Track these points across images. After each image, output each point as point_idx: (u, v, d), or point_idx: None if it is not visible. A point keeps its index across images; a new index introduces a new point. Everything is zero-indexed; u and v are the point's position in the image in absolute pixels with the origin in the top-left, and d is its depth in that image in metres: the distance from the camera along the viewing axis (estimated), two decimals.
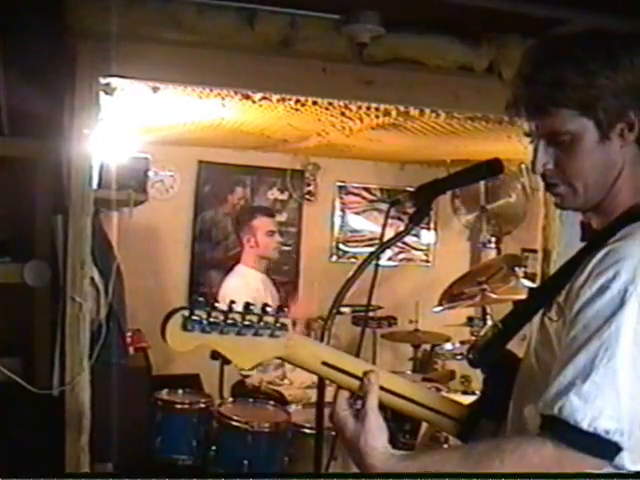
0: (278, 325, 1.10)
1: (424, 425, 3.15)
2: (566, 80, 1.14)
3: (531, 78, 1.18)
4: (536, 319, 1.23)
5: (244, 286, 3.90)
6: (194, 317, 1.07)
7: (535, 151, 1.21)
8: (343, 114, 3.37)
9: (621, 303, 1.05)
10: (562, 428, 1.04)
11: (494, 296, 3.87)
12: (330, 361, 1.16)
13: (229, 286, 3.94)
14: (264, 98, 3.00)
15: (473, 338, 3.88)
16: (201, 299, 1.08)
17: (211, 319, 1.07)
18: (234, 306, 1.09)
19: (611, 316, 1.05)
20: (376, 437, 1.14)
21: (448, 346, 4.29)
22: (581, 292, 1.09)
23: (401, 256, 5.60)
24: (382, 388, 1.17)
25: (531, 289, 1.34)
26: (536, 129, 1.21)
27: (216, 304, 1.08)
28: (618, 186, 1.19)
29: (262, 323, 1.09)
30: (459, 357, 4.13)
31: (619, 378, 1.03)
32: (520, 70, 1.21)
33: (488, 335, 1.30)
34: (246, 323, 1.08)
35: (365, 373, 1.17)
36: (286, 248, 5.07)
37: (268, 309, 1.10)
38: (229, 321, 1.08)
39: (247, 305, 1.10)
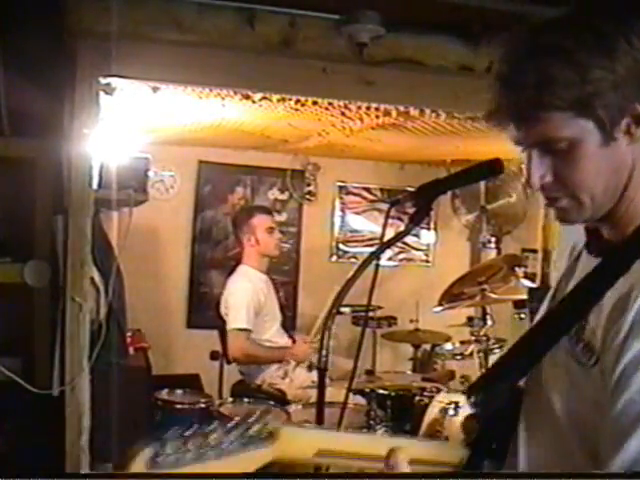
0: (264, 436, 0.96)
1: (424, 425, 3.15)
2: (554, 78, 0.95)
3: (512, 80, 0.99)
4: (560, 357, 1.04)
5: (250, 288, 3.90)
6: (164, 454, 0.95)
7: (528, 163, 1.02)
8: (343, 114, 3.38)
9: None
10: None
11: (494, 296, 3.87)
12: (330, 447, 1.01)
13: (236, 288, 3.93)
14: (264, 98, 3.01)
15: (473, 338, 3.88)
16: (172, 432, 0.96)
17: (187, 448, 0.95)
18: (214, 427, 0.97)
19: None
20: None
21: (448, 346, 4.29)
22: (629, 343, 0.91)
23: (401, 256, 5.60)
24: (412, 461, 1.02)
25: (543, 319, 1.13)
26: (524, 138, 1.02)
27: (187, 432, 0.96)
28: (632, 189, 1.01)
29: (246, 439, 0.96)
30: (459, 357, 4.13)
31: None
32: (498, 71, 1.01)
33: (493, 373, 1.14)
34: (229, 447, 0.95)
35: (390, 453, 1.00)
36: (286, 247, 5.07)
37: (251, 420, 0.97)
38: (207, 447, 0.95)
39: (230, 424, 0.97)
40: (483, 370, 3.60)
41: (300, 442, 1.01)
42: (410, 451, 1.02)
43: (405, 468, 0.98)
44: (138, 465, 0.95)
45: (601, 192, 1.01)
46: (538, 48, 0.98)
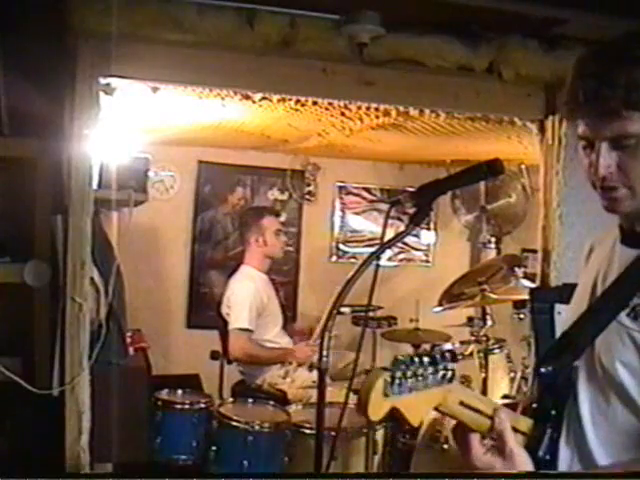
0: (450, 374, 1.09)
1: (424, 425, 3.15)
2: (639, 83, 1.14)
3: (609, 79, 1.16)
4: (615, 331, 1.23)
5: (253, 288, 3.90)
6: (396, 380, 1.03)
7: (598, 154, 1.20)
8: (343, 114, 3.37)
9: None
10: None
11: (494, 296, 3.87)
12: (466, 401, 1.15)
13: (238, 287, 3.94)
14: (264, 98, 3.00)
15: (473, 338, 3.88)
16: (401, 357, 1.05)
17: (408, 379, 1.04)
18: (424, 359, 1.07)
19: None
20: (529, 468, 1.16)
21: (448, 346, 4.28)
22: None
23: (401, 256, 5.60)
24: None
25: (596, 300, 1.31)
26: (599, 132, 1.19)
27: (414, 359, 1.05)
28: None
29: (439, 373, 1.08)
30: (459, 357, 4.13)
31: None
32: (591, 69, 1.19)
33: (559, 348, 1.30)
34: (431, 377, 1.06)
35: (496, 411, 1.16)
36: (287, 248, 5.08)
37: (446, 355, 1.09)
38: (419, 378, 1.05)
39: (431, 357, 1.07)
40: (483, 370, 3.61)
41: (453, 394, 1.12)
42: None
43: (509, 425, 1.16)
44: (377, 390, 1.02)
45: None
46: (628, 57, 1.17)
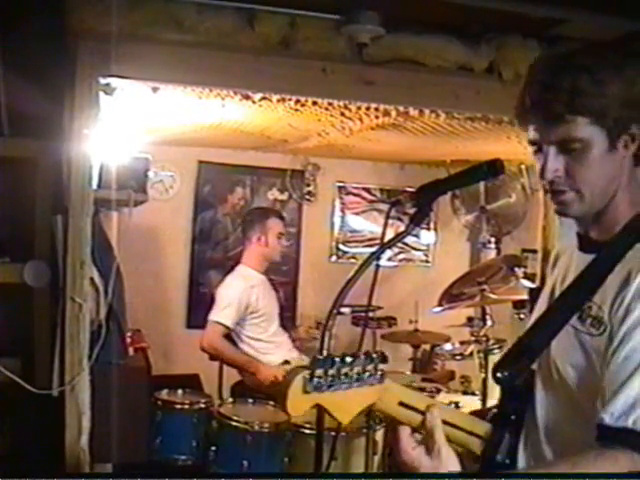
0: (379, 374, 1.11)
1: None
2: (582, 89, 1.18)
3: (550, 85, 1.20)
4: (566, 333, 1.25)
5: (242, 287, 3.91)
6: (315, 378, 1.05)
7: (545, 158, 1.23)
8: (343, 114, 3.37)
9: None
10: (638, 439, 1.07)
11: (494, 296, 3.87)
12: (406, 401, 1.17)
13: (228, 284, 3.95)
14: (264, 98, 3.00)
15: (473, 338, 3.88)
16: (320, 356, 1.07)
17: (328, 377, 1.06)
18: (347, 359, 1.08)
19: None
20: (454, 468, 1.16)
21: (448, 346, 4.28)
22: (633, 306, 1.14)
23: (401, 256, 5.60)
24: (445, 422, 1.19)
25: (552, 304, 1.34)
26: (546, 136, 1.23)
27: (335, 359, 1.07)
28: (619, 197, 1.25)
29: (366, 373, 1.09)
30: (459, 357, 4.13)
31: None
32: (537, 76, 1.23)
33: (515, 352, 1.30)
34: (355, 376, 1.08)
35: (428, 407, 1.17)
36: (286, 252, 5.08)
37: (374, 355, 1.10)
38: (342, 376, 1.07)
39: (354, 356, 1.09)
40: (483, 370, 3.60)
41: (390, 392, 1.15)
42: (444, 413, 1.19)
43: (439, 423, 1.16)
44: (295, 387, 1.04)
45: (598, 192, 1.23)
46: (573, 64, 1.21)
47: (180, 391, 3.56)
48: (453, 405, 3.16)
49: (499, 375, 1.26)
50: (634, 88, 1.20)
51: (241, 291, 3.88)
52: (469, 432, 1.23)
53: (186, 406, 3.40)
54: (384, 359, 1.12)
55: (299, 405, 1.06)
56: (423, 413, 1.16)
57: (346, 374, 1.07)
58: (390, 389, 1.15)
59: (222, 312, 3.81)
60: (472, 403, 3.44)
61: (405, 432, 1.18)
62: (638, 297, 1.15)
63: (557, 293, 1.34)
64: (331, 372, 1.06)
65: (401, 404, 1.16)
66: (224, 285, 3.96)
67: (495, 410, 1.32)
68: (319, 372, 1.05)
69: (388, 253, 5.29)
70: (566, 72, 1.20)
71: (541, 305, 1.39)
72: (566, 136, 1.20)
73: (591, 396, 1.16)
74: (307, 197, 5.40)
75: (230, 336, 3.90)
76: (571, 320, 1.24)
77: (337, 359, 1.07)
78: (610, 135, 1.20)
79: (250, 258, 4.05)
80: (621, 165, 1.23)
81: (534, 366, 1.31)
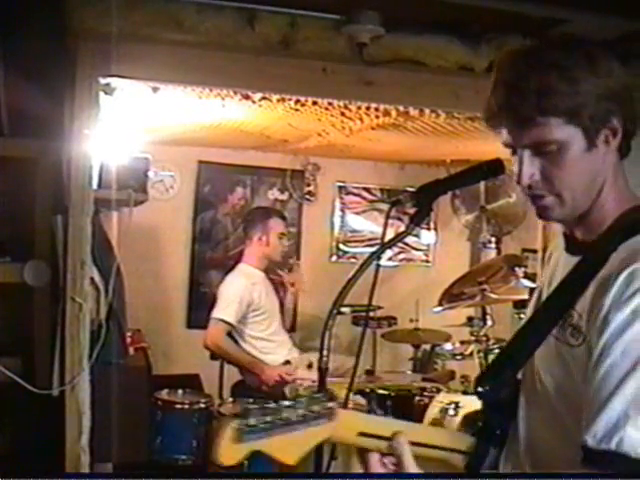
0: (326, 411, 1.07)
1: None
2: (552, 88, 1.10)
3: (517, 87, 1.12)
4: (548, 343, 1.18)
5: (244, 284, 3.92)
6: (247, 427, 1.01)
7: (520, 163, 1.16)
8: (343, 114, 3.37)
9: None
10: (623, 462, 0.99)
11: (494, 296, 3.87)
12: (366, 430, 1.13)
13: (230, 282, 3.96)
14: (264, 98, 3.01)
15: (473, 338, 3.88)
16: (252, 406, 1.03)
17: (262, 424, 1.02)
18: (283, 404, 1.05)
19: None
20: None
21: (448, 346, 4.29)
22: (611, 317, 1.05)
23: (401, 256, 5.60)
24: (414, 443, 1.14)
25: (535, 311, 1.28)
26: (519, 140, 1.15)
27: (266, 405, 1.03)
28: (604, 195, 1.17)
29: (311, 413, 1.06)
30: (459, 357, 4.13)
31: None
32: (503, 78, 1.15)
33: (496, 365, 1.26)
34: (297, 419, 1.04)
35: (394, 434, 1.12)
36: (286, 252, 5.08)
37: (316, 395, 1.08)
38: (279, 421, 1.03)
39: (296, 397, 1.08)
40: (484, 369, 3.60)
41: (346, 424, 1.11)
42: (416, 435, 1.15)
43: (407, 449, 1.11)
44: (226, 438, 1.02)
45: (580, 193, 1.16)
46: (541, 62, 1.13)
47: (180, 391, 3.56)
48: (454, 405, 3.16)
49: (480, 390, 1.21)
50: (610, 80, 1.13)
51: (243, 288, 3.89)
52: (449, 449, 1.18)
53: (186, 406, 3.41)
54: (331, 398, 1.08)
55: (232, 455, 1.03)
56: (390, 439, 1.12)
57: (287, 418, 1.03)
58: (347, 421, 1.11)
59: (225, 310, 3.82)
60: (472, 403, 3.44)
61: (374, 458, 1.13)
62: (617, 306, 1.05)
63: (544, 296, 1.26)
64: (268, 419, 1.02)
65: (362, 434, 1.12)
66: (226, 283, 3.97)
67: (480, 424, 1.24)
68: (252, 421, 1.01)
69: (388, 253, 5.29)
70: (533, 71, 1.11)
71: (530, 309, 1.34)
72: (539, 139, 1.13)
73: (571, 409, 1.10)
74: (307, 197, 5.41)
75: (232, 335, 3.90)
76: (553, 329, 1.16)
77: (272, 405, 1.03)
78: (588, 133, 1.12)
79: (251, 257, 4.06)
80: (603, 162, 1.16)
81: (520, 376, 1.25)
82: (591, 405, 1.04)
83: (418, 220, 1.35)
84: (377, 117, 3.36)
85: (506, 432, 1.23)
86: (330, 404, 1.08)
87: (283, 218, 4.20)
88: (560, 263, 1.26)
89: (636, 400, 1.00)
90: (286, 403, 1.05)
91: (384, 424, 1.17)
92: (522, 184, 1.16)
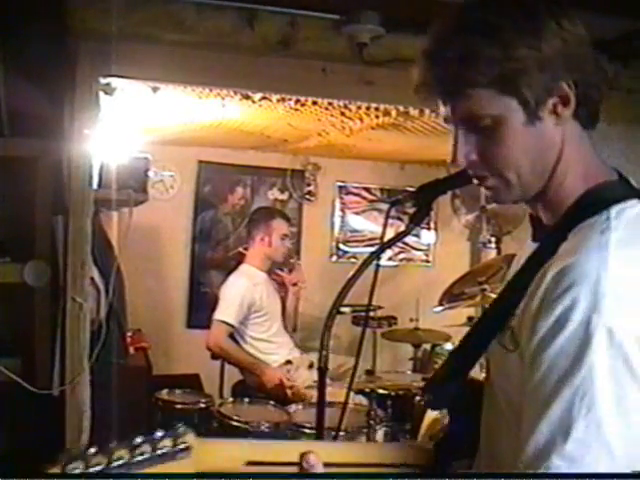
0: (178, 449, 0.98)
1: (424, 425, 3.15)
2: (478, 53, 0.93)
3: (437, 55, 0.97)
4: (492, 344, 1.03)
5: (245, 285, 3.92)
6: (68, 472, 0.90)
7: (455, 140, 1.02)
8: (343, 114, 3.38)
9: (586, 337, 0.86)
10: None
11: (494, 296, 3.87)
12: (257, 459, 0.99)
13: (232, 283, 3.97)
14: (264, 98, 3.01)
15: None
16: (74, 450, 0.92)
17: (91, 468, 0.90)
18: (116, 445, 0.95)
19: (578, 355, 0.86)
20: None
21: (448, 346, 4.29)
22: (537, 324, 0.91)
23: (401, 256, 5.60)
24: (327, 464, 0.98)
25: (484, 311, 1.14)
26: (451, 114, 1.00)
27: (91, 450, 0.92)
28: (561, 171, 1.00)
29: (159, 451, 0.96)
30: None
31: (605, 428, 0.85)
32: (425, 47, 1.00)
33: (443, 371, 1.13)
34: (138, 459, 0.94)
35: (303, 456, 0.97)
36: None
37: (159, 434, 0.99)
38: (115, 463, 0.92)
39: (136, 441, 0.96)
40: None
41: (225, 454, 1.01)
42: (327, 454, 1.00)
43: (320, 469, 0.97)
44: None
45: (528, 171, 0.99)
46: (465, 24, 0.97)
47: (180, 391, 3.56)
48: None
49: (425, 398, 1.12)
50: (556, 42, 0.95)
51: (245, 289, 3.89)
52: (376, 464, 1.05)
53: (186, 406, 3.40)
54: (181, 433, 1.00)
55: None
56: (296, 463, 0.97)
57: (121, 459, 0.93)
58: (223, 450, 1.01)
59: (226, 311, 3.82)
60: None
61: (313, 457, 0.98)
62: (543, 311, 0.90)
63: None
64: (95, 461, 0.91)
65: (251, 463, 0.99)
66: (228, 284, 3.97)
67: (441, 434, 1.13)
68: (75, 465, 0.90)
69: (388, 253, 5.29)
70: (457, 33, 0.96)
71: None
72: (470, 113, 0.97)
73: (517, 417, 0.95)
74: (307, 197, 5.40)
75: (233, 336, 3.90)
76: (498, 332, 1.01)
77: (92, 451, 0.92)
78: (527, 105, 0.95)
79: (253, 257, 4.06)
80: (554, 134, 0.99)
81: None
82: (525, 423, 0.91)
83: (418, 220, 1.35)
84: (377, 117, 3.36)
85: (473, 443, 1.10)
86: (184, 440, 1.00)
87: (287, 219, 4.20)
88: (522, 253, 1.12)
89: (562, 424, 0.86)
90: (113, 447, 0.94)
91: (281, 448, 1.03)
92: (457, 164, 1.04)
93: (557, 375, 0.87)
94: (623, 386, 0.86)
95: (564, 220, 0.99)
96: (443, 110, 1.01)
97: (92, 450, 0.92)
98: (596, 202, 0.97)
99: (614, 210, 0.94)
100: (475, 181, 1.07)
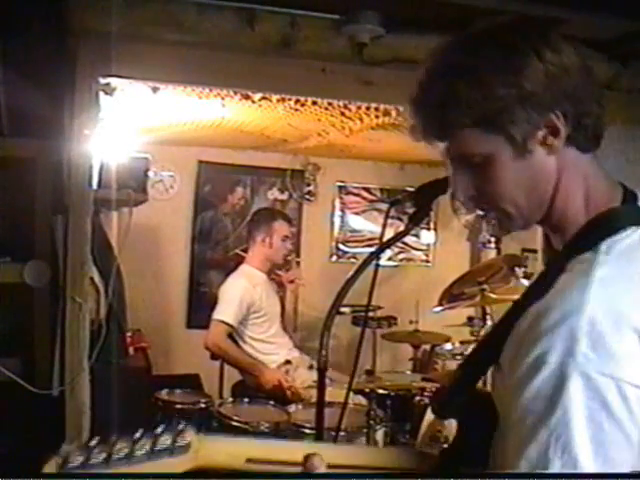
0: (177, 445, 0.99)
1: (425, 425, 3.15)
2: (459, 96, 0.96)
3: (421, 101, 1.01)
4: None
5: (244, 286, 3.92)
6: (70, 464, 0.92)
7: (453, 178, 1.04)
8: (343, 114, 3.38)
9: (562, 380, 0.87)
10: None
11: (494, 296, 3.87)
12: (258, 457, 1.00)
13: (231, 283, 3.97)
14: (264, 98, 3.01)
15: (473, 338, 3.88)
16: (75, 447, 0.94)
17: (93, 460, 0.93)
18: (117, 438, 0.98)
19: (554, 397, 0.87)
20: None
21: (448, 346, 4.29)
22: (515, 362, 0.92)
23: (401, 256, 5.60)
24: (330, 466, 0.99)
25: (493, 327, 1.15)
26: (447, 153, 1.03)
27: (92, 442, 0.95)
28: (561, 198, 1.01)
29: (158, 447, 0.98)
30: (459, 357, 4.13)
31: (581, 468, 0.85)
32: (414, 91, 1.03)
33: (451, 382, 1.13)
34: (138, 453, 0.96)
35: (307, 458, 0.97)
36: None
37: (159, 430, 1.00)
38: (116, 455, 0.95)
39: (136, 435, 1.00)
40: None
41: (225, 451, 1.02)
42: (328, 456, 1.00)
43: (323, 470, 0.97)
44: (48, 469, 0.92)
45: (524, 203, 1.01)
46: (445, 67, 1.00)
47: (180, 391, 3.56)
48: None
49: (433, 406, 1.13)
50: (538, 73, 0.95)
51: (244, 290, 3.89)
52: (375, 468, 1.06)
53: (186, 406, 3.40)
54: (181, 429, 1.01)
55: None
56: (296, 463, 0.98)
57: (121, 452, 0.96)
58: (223, 448, 1.02)
59: (226, 311, 3.82)
60: None
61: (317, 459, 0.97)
62: (525, 347, 0.91)
63: None
64: (96, 453, 0.94)
65: (251, 461, 1.00)
66: (227, 284, 3.97)
67: (446, 445, 1.13)
68: (77, 457, 0.93)
69: (388, 253, 5.29)
70: (436, 80, 0.99)
71: None
72: (461, 152, 1.00)
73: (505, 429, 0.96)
74: (307, 197, 5.41)
75: (232, 337, 3.91)
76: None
77: (93, 442, 0.95)
78: (513, 141, 0.97)
79: (254, 258, 4.06)
80: (547, 164, 0.99)
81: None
82: (507, 457, 0.92)
83: (417, 220, 1.35)
84: (377, 117, 3.36)
85: (483, 453, 1.07)
86: (183, 437, 1.00)
87: (288, 221, 4.19)
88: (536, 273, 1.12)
89: (539, 465, 0.86)
90: (114, 439, 0.98)
91: (283, 448, 1.04)
92: (459, 201, 1.05)
93: (534, 415, 0.88)
94: (601, 427, 0.86)
95: (564, 252, 1.01)
96: (442, 149, 1.04)
97: (93, 442, 0.95)
98: (591, 235, 0.98)
99: (605, 245, 0.95)
100: (480, 212, 1.08)
